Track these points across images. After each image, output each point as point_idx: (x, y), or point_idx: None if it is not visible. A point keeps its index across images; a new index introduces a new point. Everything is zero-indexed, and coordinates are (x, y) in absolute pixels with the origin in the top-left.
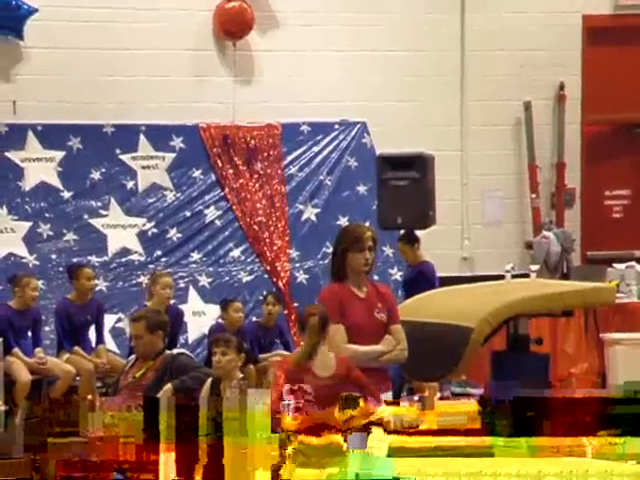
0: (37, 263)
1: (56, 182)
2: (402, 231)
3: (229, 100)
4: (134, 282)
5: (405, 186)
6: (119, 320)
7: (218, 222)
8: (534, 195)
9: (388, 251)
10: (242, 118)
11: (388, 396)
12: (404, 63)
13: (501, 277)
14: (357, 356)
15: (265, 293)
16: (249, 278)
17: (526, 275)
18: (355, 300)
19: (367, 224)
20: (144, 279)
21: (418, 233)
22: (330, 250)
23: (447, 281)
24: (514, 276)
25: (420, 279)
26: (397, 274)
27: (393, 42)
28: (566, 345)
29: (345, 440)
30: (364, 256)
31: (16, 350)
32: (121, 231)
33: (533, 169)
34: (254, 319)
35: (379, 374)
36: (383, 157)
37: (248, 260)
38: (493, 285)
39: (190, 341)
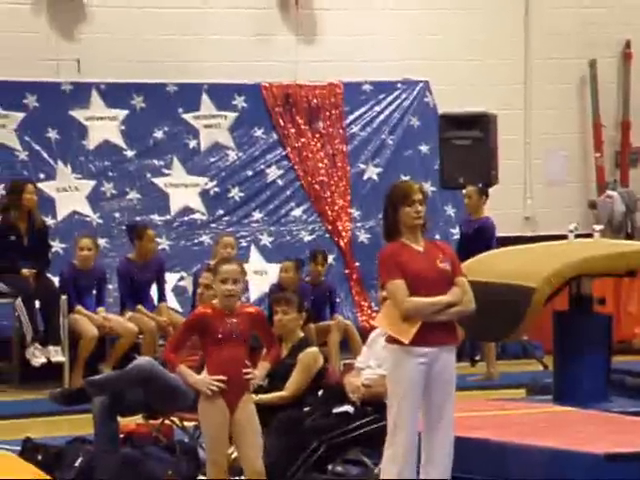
0: (100, 222)
1: (119, 141)
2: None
3: (291, 59)
4: (196, 241)
5: (468, 145)
6: (181, 279)
7: (280, 181)
8: (598, 154)
9: (450, 211)
10: (304, 77)
11: (454, 350)
12: (467, 21)
13: (564, 237)
14: (421, 308)
15: (312, 251)
16: (310, 237)
17: (589, 235)
18: (414, 253)
19: (429, 183)
20: (206, 238)
21: None
22: None
23: (509, 241)
24: (577, 236)
25: (480, 234)
26: (458, 234)
27: (455, 1)
28: (629, 305)
29: None
30: (415, 209)
31: (79, 307)
32: (183, 190)
33: (598, 128)
34: (307, 279)
35: (448, 327)
36: (445, 116)
37: (309, 219)
38: (556, 245)
39: (252, 300)
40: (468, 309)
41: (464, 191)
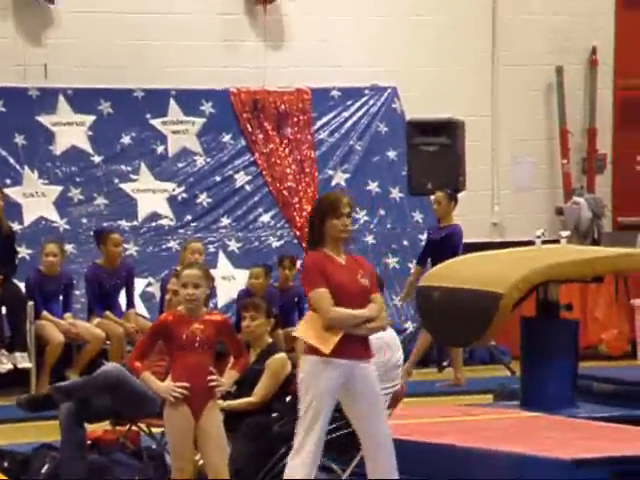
0: (67, 227)
1: (87, 146)
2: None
3: (259, 65)
4: (164, 247)
5: (435, 151)
6: (149, 284)
7: (248, 187)
8: (565, 160)
9: (418, 217)
10: (272, 83)
11: (371, 364)
12: (435, 28)
13: (531, 243)
14: (345, 319)
15: (280, 256)
16: (278, 243)
17: (556, 241)
18: (337, 265)
19: (397, 189)
20: (174, 244)
21: None
22: (360, 215)
23: (477, 247)
24: (544, 242)
25: (447, 241)
26: (425, 240)
27: (424, 7)
28: (596, 311)
29: None
30: (343, 222)
31: (45, 313)
32: (151, 196)
33: (564, 134)
34: (275, 284)
35: (364, 342)
36: (413, 122)
37: (278, 225)
38: (523, 251)
39: (219, 306)
40: (382, 326)
41: (433, 197)
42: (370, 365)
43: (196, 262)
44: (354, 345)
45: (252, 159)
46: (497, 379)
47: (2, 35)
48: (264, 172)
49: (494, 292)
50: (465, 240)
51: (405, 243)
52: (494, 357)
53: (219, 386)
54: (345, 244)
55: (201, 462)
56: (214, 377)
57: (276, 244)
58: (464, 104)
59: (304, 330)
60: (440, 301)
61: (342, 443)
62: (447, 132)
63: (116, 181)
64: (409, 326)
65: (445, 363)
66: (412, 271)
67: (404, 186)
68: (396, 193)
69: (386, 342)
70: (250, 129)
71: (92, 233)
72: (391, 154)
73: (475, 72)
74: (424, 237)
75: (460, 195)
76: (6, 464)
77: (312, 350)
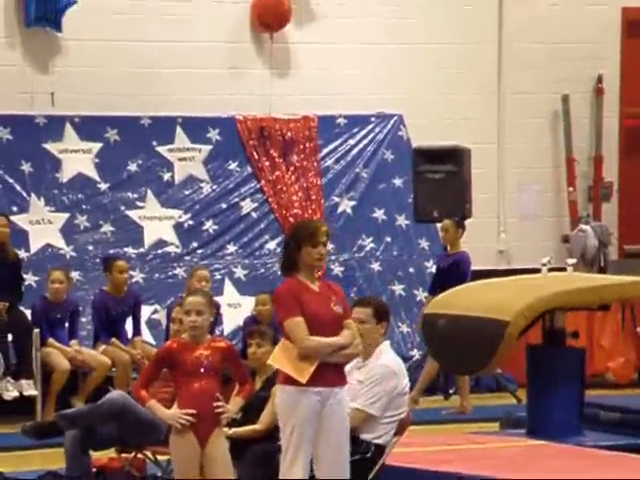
0: (74, 254)
1: (93, 174)
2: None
3: (265, 92)
4: (170, 274)
5: (441, 179)
6: (155, 312)
7: (254, 214)
8: (571, 188)
9: (424, 244)
10: (278, 110)
11: (344, 390)
12: (441, 56)
13: (537, 270)
14: (321, 348)
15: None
16: None
17: (563, 269)
18: (311, 293)
19: (403, 216)
20: (180, 271)
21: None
22: (366, 242)
23: (483, 274)
24: (550, 270)
25: (455, 269)
26: (433, 267)
27: (430, 35)
28: (603, 339)
29: None
30: (319, 251)
31: (51, 340)
32: (157, 223)
33: (570, 162)
34: None
35: (339, 369)
36: (419, 150)
37: None
38: (529, 278)
39: (226, 333)
40: (357, 353)
41: (440, 225)
42: (344, 390)
43: (200, 289)
44: (329, 373)
45: (258, 186)
46: (503, 407)
47: (10, 63)
48: (270, 199)
49: (500, 320)
50: (471, 267)
51: (411, 270)
52: (500, 385)
53: (225, 412)
54: (319, 271)
55: None
56: (220, 404)
57: None
58: (470, 132)
59: (279, 359)
60: (446, 329)
61: None
62: (453, 160)
63: (122, 208)
64: (415, 354)
65: (451, 391)
66: (425, 301)
67: (410, 213)
68: (402, 220)
69: (392, 370)
70: (256, 156)
71: (98, 260)
72: (397, 181)
73: (481, 100)
74: (430, 264)
75: (466, 222)
76: None
77: (288, 380)
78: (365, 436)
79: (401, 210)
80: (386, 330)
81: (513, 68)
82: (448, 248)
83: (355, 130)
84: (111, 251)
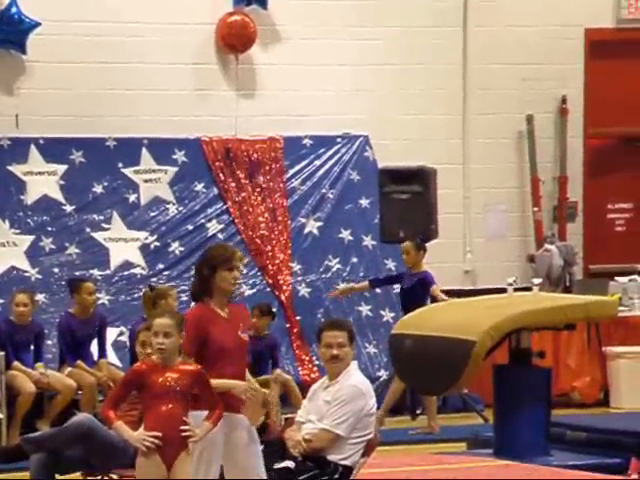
0: (39, 277)
1: (58, 195)
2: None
3: (231, 113)
4: (136, 295)
5: (407, 199)
6: (121, 333)
7: (220, 235)
8: (536, 208)
9: (390, 264)
10: (244, 131)
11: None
12: (406, 77)
13: (503, 290)
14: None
15: (256, 305)
16: (251, 292)
17: (528, 288)
18: (219, 320)
19: (369, 237)
20: None
21: None
22: (333, 263)
23: (449, 294)
24: (516, 289)
25: (418, 289)
26: (399, 287)
27: (395, 56)
28: (569, 359)
29: None
30: (234, 275)
31: (16, 364)
32: (123, 244)
33: (535, 182)
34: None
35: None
36: (385, 170)
37: (250, 273)
38: (495, 298)
39: None
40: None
41: (402, 246)
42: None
43: (169, 310)
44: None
45: (224, 207)
46: (470, 427)
47: None
48: (236, 220)
49: (466, 340)
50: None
51: (378, 291)
52: (467, 405)
53: (191, 437)
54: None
55: None
56: (187, 427)
57: (249, 292)
58: (436, 152)
59: None
60: (412, 349)
61: None
62: (419, 180)
63: (88, 230)
64: (382, 374)
65: (418, 411)
66: (362, 283)
67: (376, 234)
68: (369, 241)
69: (360, 390)
70: (222, 177)
71: (64, 282)
72: (363, 202)
73: (446, 120)
74: (397, 285)
75: (432, 243)
76: None
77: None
78: (332, 457)
79: (367, 230)
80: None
81: (477, 88)
82: (411, 269)
83: (321, 151)
84: (77, 273)
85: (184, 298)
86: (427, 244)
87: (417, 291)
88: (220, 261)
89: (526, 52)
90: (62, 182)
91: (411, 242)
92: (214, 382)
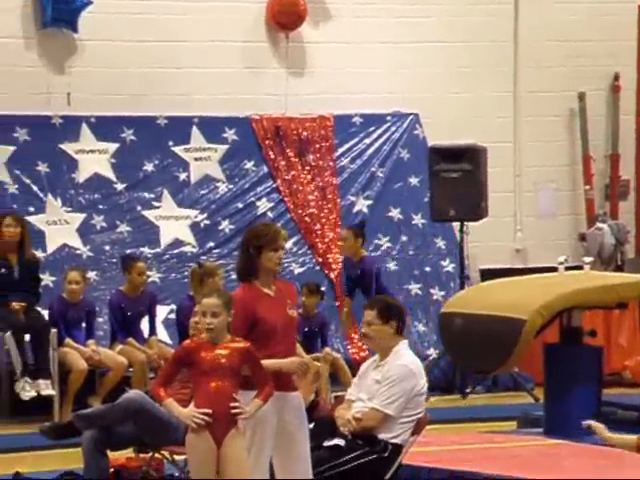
0: (91, 254)
1: (109, 174)
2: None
3: (281, 92)
4: (186, 273)
5: (457, 178)
6: (171, 311)
7: (270, 214)
8: (588, 187)
9: (440, 243)
10: (294, 110)
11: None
12: (457, 54)
13: (554, 269)
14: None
15: (305, 284)
16: (301, 270)
17: (579, 267)
18: (266, 300)
19: (419, 215)
20: None
21: (471, 225)
22: (382, 242)
23: (499, 273)
24: (567, 268)
25: (365, 275)
26: (449, 266)
27: (446, 33)
28: (620, 337)
29: None
30: (279, 255)
31: (68, 340)
32: (174, 223)
33: (587, 160)
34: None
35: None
36: (435, 149)
37: (300, 252)
38: (546, 277)
39: None
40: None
41: (341, 233)
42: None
43: (217, 289)
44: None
45: (274, 186)
46: (521, 406)
47: (27, 64)
48: (286, 199)
49: (517, 318)
50: (488, 266)
51: (427, 269)
52: (517, 384)
53: (241, 413)
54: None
55: None
56: (236, 404)
57: (298, 270)
58: (486, 130)
59: None
60: (462, 328)
61: (365, 470)
62: (469, 158)
63: (139, 208)
64: (432, 352)
65: (468, 390)
66: (345, 304)
67: (426, 212)
68: (418, 219)
69: (411, 370)
70: (272, 156)
71: (115, 260)
72: (413, 180)
73: (497, 98)
74: (447, 263)
75: (482, 222)
76: None
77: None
78: (382, 436)
79: (417, 209)
80: (398, 329)
81: (529, 66)
82: (351, 257)
83: (371, 129)
84: (127, 251)
85: (234, 276)
86: (477, 222)
87: (364, 277)
88: (266, 241)
89: (578, 29)
90: (113, 160)
91: (349, 229)
92: (266, 363)
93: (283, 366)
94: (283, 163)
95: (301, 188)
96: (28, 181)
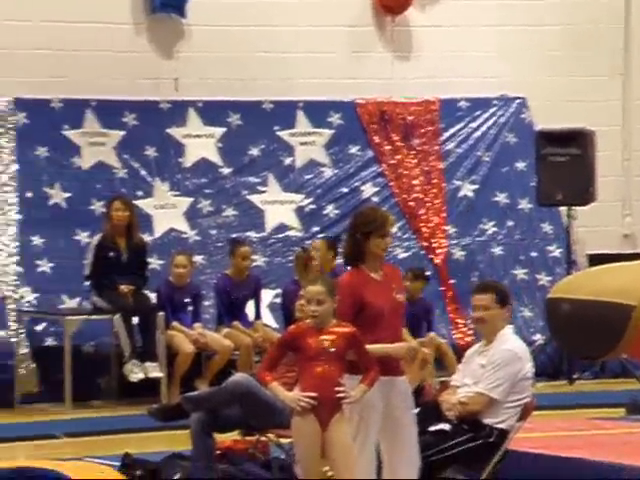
0: (198, 238)
1: (216, 158)
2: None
3: (387, 76)
4: (291, 258)
5: (565, 162)
6: (277, 296)
7: (375, 198)
8: None
9: (547, 228)
10: (400, 94)
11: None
12: (564, 37)
13: None
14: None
15: (409, 269)
16: (405, 255)
17: None
18: (373, 285)
19: (526, 200)
20: None
21: (579, 209)
22: (488, 226)
23: (608, 258)
24: None
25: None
26: (556, 251)
27: (553, 16)
28: None
29: None
30: (386, 242)
31: (175, 324)
32: (279, 207)
33: None
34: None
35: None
36: (543, 133)
37: (404, 237)
38: None
39: None
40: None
41: (313, 244)
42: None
43: (321, 276)
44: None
45: (379, 170)
46: (629, 393)
47: (135, 49)
48: (391, 183)
49: (626, 304)
50: (595, 251)
51: (533, 254)
52: (626, 370)
53: (346, 398)
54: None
55: (330, 473)
56: (342, 389)
57: (403, 255)
58: (594, 114)
59: None
60: (569, 313)
61: (471, 455)
62: (577, 142)
63: (245, 193)
64: (538, 338)
65: (575, 376)
66: None
67: (533, 197)
68: (525, 204)
69: (517, 354)
70: (377, 140)
71: (221, 244)
72: (520, 165)
73: (606, 81)
74: (553, 248)
75: (590, 206)
76: (138, 472)
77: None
78: (488, 420)
79: (524, 194)
80: (510, 314)
81: (639, 49)
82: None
83: (477, 113)
84: (233, 235)
85: (338, 260)
86: (585, 207)
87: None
88: (374, 227)
89: None
90: (220, 145)
91: (323, 240)
92: (374, 347)
93: (392, 351)
94: (388, 147)
95: (406, 173)
96: (136, 165)
